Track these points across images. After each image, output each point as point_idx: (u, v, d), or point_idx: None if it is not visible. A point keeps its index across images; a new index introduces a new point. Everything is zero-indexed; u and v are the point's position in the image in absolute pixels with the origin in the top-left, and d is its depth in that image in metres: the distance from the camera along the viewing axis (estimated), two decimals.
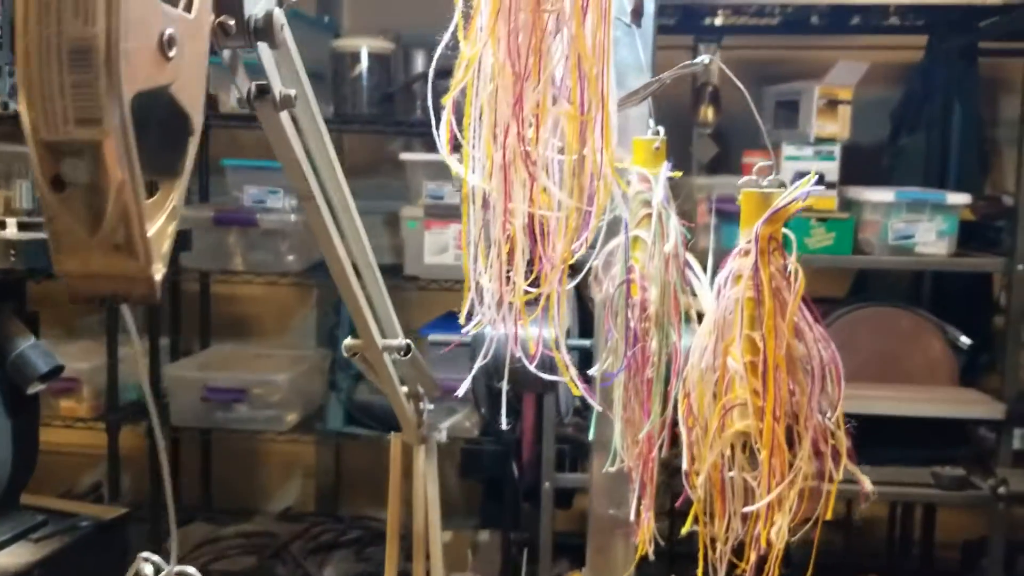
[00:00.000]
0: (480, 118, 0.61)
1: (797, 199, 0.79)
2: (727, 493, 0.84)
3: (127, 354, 3.04)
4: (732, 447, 0.83)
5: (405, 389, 1.11)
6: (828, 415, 0.83)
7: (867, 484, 0.81)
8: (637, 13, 0.97)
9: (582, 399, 1.08)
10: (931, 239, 2.53)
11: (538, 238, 0.62)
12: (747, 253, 0.81)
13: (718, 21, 3.03)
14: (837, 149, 2.58)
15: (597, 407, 1.02)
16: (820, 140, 2.58)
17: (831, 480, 0.81)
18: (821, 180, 2.55)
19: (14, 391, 1.87)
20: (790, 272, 0.81)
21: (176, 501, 0.95)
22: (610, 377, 1.07)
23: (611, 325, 1.07)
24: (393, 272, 2.85)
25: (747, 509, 0.81)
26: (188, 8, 0.43)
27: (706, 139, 3.00)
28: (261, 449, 3.46)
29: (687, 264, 1.02)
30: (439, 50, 0.62)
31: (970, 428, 2.63)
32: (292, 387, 2.92)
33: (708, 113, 2.96)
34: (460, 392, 0.82)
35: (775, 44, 3.24)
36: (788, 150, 2.60)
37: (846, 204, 2.61)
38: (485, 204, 0.62)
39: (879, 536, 3.20)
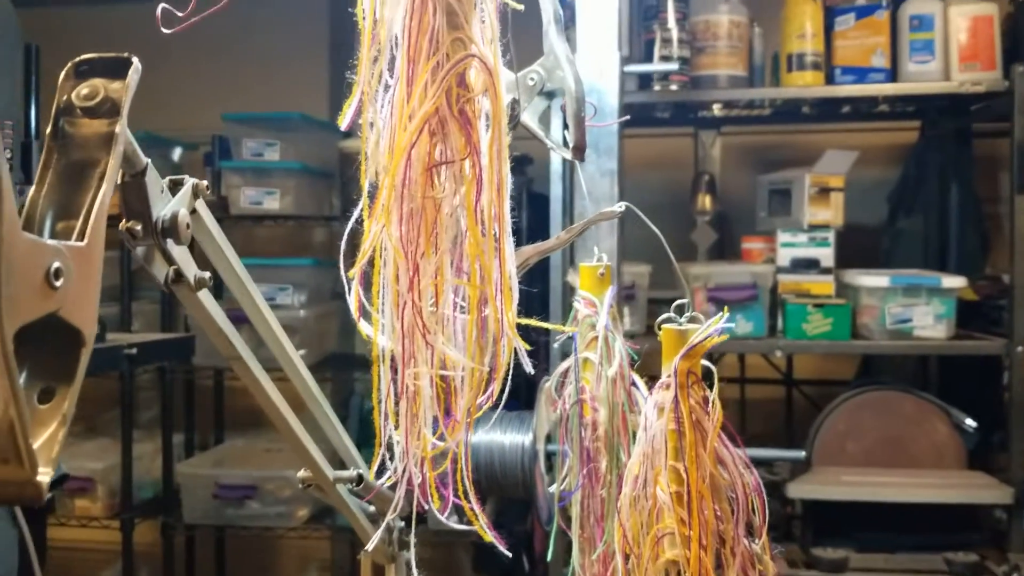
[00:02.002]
0: (385, 286, 0.66)
1: (711, 335, 0.82)
2: None
3: (142, 452, 3.10)
4: (667, 574, 0.86)
5: (372, 508, 1.15)
6: (754, 540, 0.85)
7: None
8: (579, 150, 1.02)
9: None
10: (929, 322, 2.54)
11: (441, 396, 0.66)
12: (668, 387, 0.84)
13: (718, 112, 3.10)
14: (831, 235, 2.62)
15: (552, 526, 1.04)
16: (814, 227, 2.62)
17: None
18: (816, 265, 2.59)
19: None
20: (711, 402, 0.84)
21: None
22: (566, 496, 1.10)
23: (567, 444, 1.11)
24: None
25: None
26: (81, 236, 0.49)
27: (705, 226, 3.05)
28: (276, 545, 3.48)
29: (634, 384, 1.06)
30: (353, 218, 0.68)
31: (983, 511, 2.61)
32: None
33: (706, 201, 3.02)
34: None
35: (772, 131, 3.31)
36: (783, 237, 2.64)
37: (843, 289, 2.63)
38: (394, 364, 0.67)
39: None
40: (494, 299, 0.67)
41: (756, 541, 0.86)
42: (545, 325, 0.82)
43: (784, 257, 2.64)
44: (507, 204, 0.69)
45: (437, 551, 3.32)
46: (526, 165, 3.11)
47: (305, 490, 0.95)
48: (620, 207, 0.96)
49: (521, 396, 2.97)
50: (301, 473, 0.95)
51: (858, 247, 2.91)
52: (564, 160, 2.15)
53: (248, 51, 3.66)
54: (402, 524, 1.23)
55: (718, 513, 0.84)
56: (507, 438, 1.50)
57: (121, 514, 2.97)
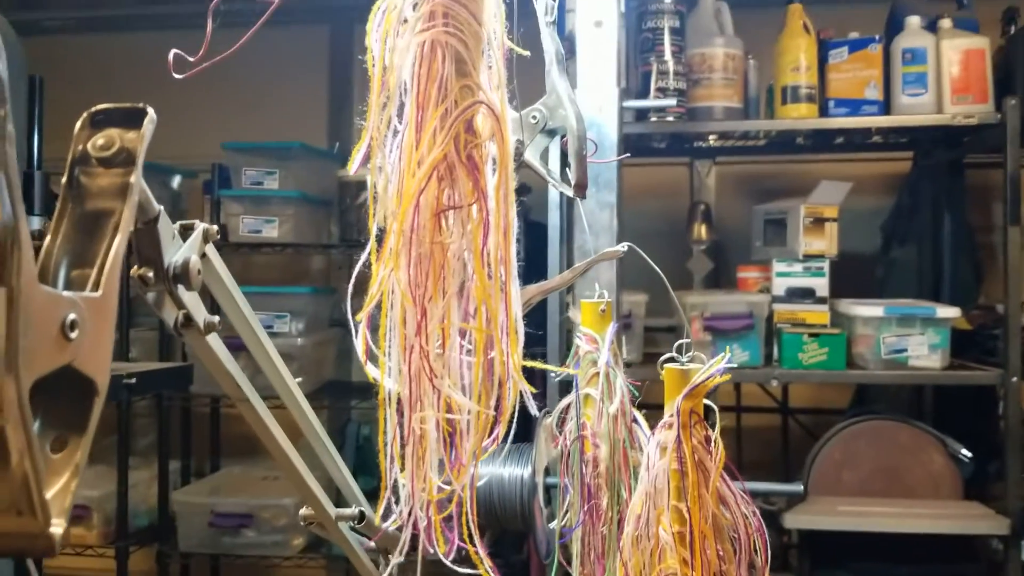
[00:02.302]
0: (392, 329, 0.67)
1: (714, 375, 0.83)
2: None
3: (138, 479, 3.09)
4: None
5: (372, 544, 1.15)
6: None
7: None
8: (581, 187, 1.03)
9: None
10: (924, 352, 2.55)
11: (446, 439, 0.67)
12: (671, 427, 0.85)
13: (714, 143, 3.13)
14: (826, 265, 2.63)
15: (551, 559, 1.05)
16: (809, 256, 2.63)
17: None
18: (812, 295, 2.60)
19: None
20: (713, 442, 0.85)
21: None
22: (567, 532, 1.10)
23: (567, 480, 1.11)
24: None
25: None
26: (96, 287, 0.49)
27: (701, 255, 3.06)
28: (272, 574, 3.46)
29: (635, 421, 1.07)
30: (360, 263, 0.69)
31: (979, 541, 2.61)
32: (299, 511, 2.94)
33: (702, 231, 3.04)
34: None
35: (767, 161, 3.33)
36: (779, 266, 2.65)
37: (838, 318, 2.65)
38: (400, 407, 0.68)
39: None
40: (500, 342, 0.68)
41: None
42: (549, 368, 0.83)
43: (780, 286, 2.65)
44: (513, 247, 0.70)
45: None
46: (524, 194, 3.10)
47: (307, 527, 0.95)
48: (623, 247, 0.97)
49: (519, 430, 2.98)
50: (303, 511, 0.95)
51: (853, 276, 2.92)
52: (567, 198, 2.17)
53: (248, 80, 3.67)
54: (401, 560, 1.23)
55: (720, 553, 0.85)
56: (506, 471, 1.50)
57: (116, 542, 2.95)
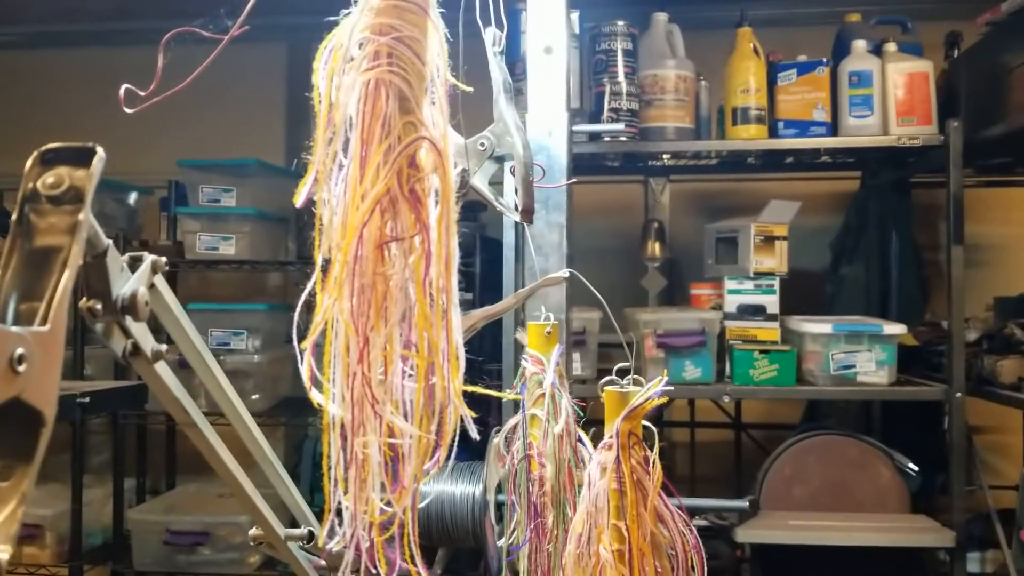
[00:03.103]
0: (336, 357, 0.69)
1: (652, 397, 0.86)
2: None
3: (93, 497, 3.07)
4: None
5: (323, 563, 1.17)
6: None
7: None
8: (528, 212, 1.06)
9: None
10: (871, 368, 2.61)
11: (388, 463, 0.69)
12: (611, 447, 0.88)
13: (667, 162, 3.18)
14: (776, 283, 2.69)
15: None
16: (759, 274, 2.69)
17: None
18: (763, 312, 2.65)
19: None
20: (652, 463, 0.88)
21: None
22: (514, 550, 1.13)
23: (514, 499, 1.14)
24: None
25: None
26: (44, 321, 0.51)
27: (655, 272, 3.11)
28: None
29: (580, 441, 1.10)
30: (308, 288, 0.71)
31: (927, 553, 2.67)
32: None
33: (655, 248, 3.09)
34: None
35: (720, 179, 3.39)
36: (730, 284, 2.70)
37: (788, 335, 2.70)
38: (344, 432, 0.70)
39: None
40: (441, 369, 0.70)
41: None
42: (491, 393, 0.86)
43: (731, 303, 2.70)
44: (455, 277, 0.72)
45: None
46: (480, 212, 3.16)
47: (256, 547, 0.97)
48: (564, 273, 1.00)
49: (472, 447, 2.99)
50: (253, 531, 0.97)
51: (802, 293, 2.98)
52: (516, 230, 2.21)
53: (206, 97, 3.67)
54: None
55: (659, 570, 0.87)
56: (458, 488, 1.52)
57: (70, 561, 2.92)
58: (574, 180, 1.43)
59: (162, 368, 0.67)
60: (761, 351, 2.62)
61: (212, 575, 2.98)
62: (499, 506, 1.47)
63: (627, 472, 0.87)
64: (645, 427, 0.89)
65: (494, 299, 2.16)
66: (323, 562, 1.16)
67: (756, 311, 2.69)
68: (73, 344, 3.08)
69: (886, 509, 2.65)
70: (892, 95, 2.65)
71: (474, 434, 0.73)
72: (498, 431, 1.24)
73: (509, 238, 2.31)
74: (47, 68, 3.86)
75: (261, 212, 3.10)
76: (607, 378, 0.90)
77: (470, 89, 0.81)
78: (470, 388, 0.75)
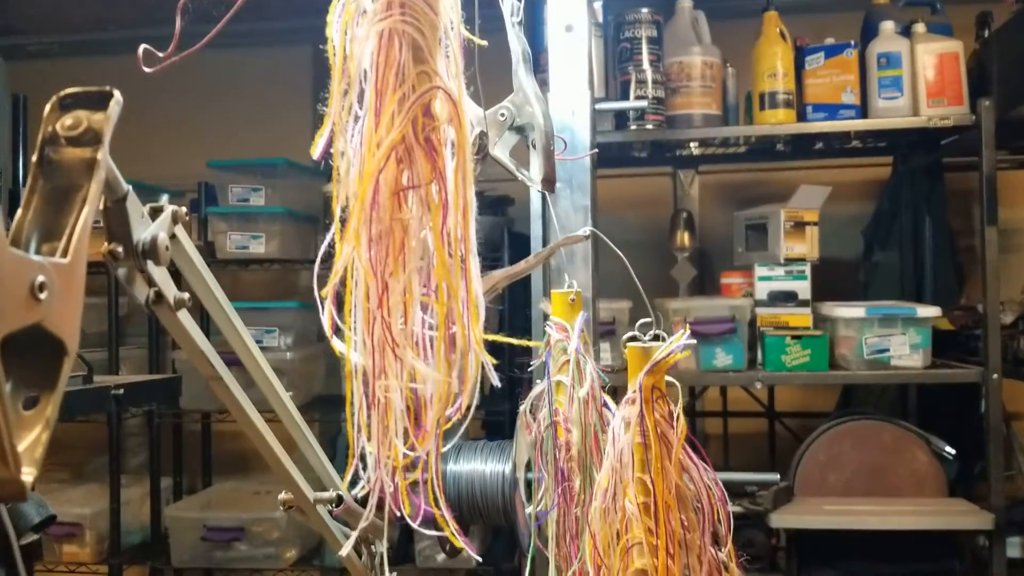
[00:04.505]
0: (356, 305, 0.70)
1: (674, 351, 0.86)
2: None
3: (130, 497, 3.11)
4: None
5: (355, 534, 1.17)
6: (721, 549, 0.88)
7: None
8: (549, 181, 1.07)
9: None
10: (905, 352, 2.58)
11: (411, 407, 0.70)
12: (634, 402, 0.88)
13: (695, 151, 3.17)
14: (807, 268, 2.67)
15: (529, 545, 1.07)
16: (790, 260, 2.67)
17: None
18: (794, 298, 2.63)
19: (6, 542, 1.93)
20: (676, 417, 0.88)
21: None
22: (542, 516, 1.13)
23: (542, 466, 1.14)
24: None
25: None
26: (64, 254, 0.52)
27: (685, 262, 3.10)
28: None
29: (606, 406, 1.10)
30: (327, 240, 0.72)
31: (964, 537, 2.63)
32: (291, 524, 2.96)
33: (685, 238, 3.08)
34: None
35: (749, 169, 3.37)
36: (760, 271, 2.69)
37: (820, 321, 2.68)
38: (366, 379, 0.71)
39: None
40: (461, 316, 0.71)
41: (722, 549, 0.89)
42: (512, 341, 0.86)
43: (762, 290, 2.68)
44: (472, 226, 0.73)
45: None
46: (507, 206, 3.17)
47: (286, 511, 0.98)
48: (586, 231, 1.00)
49: (505, 429, 2.98)
50: (282, 495, 0.98)
51: (836, 281, 2.96)
52: (543, 201, 2.20)
53: (233, 99, 3.72)
54: (383, 550, 1.26)
55: (684, 522, 0.87)
56: (488, 467, 1.52)
57: (109, 559, 2.97)
58: (595, 151, 1.43)
59: (185, 317, 0.68)
60: (793, 336, 2.60)
61: (249, 570, 3.00)
62: (528, 484, 1.47)
63: (651, 426, 0.86)
64: (669, 383, 0.89)
65: (523, 294, 2.17)
66: (355, 534, 1.17)
67: (787, 297, 2.67)
68: (108, 345, 3.12)
69: (923, 495, 2.61)
70: (922, 76, 2.63)
71: (495, 381, 0.73)
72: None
73: (536, 231, 2.31)
74: (78, 76, 3.92)
75: (290, 211, 3.13)
76: (629, 334, 0.90)
77: (484, 43, 0.81)
78: (491, 337, 0.75)
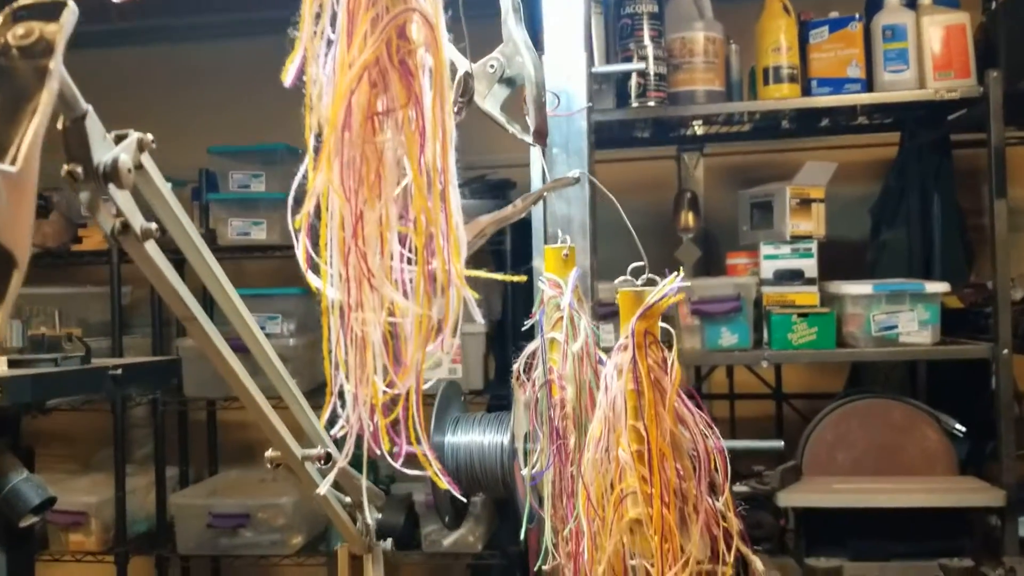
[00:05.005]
0: (331, 237, 0.67)
1: (667, 295, 0.83)
2: None
3: (136, 486, 3.09)
4: (632, 533, 0.86)
5: (348, 499, 1.15)
6: (718, 498, 0.86)
7: (758, 565, 0.83)
8: (540, 134, 1.04)
9: None
10: (914, 328, 2.55)
11: (389, 342, 0.67)
12: (627, 348, 0.85)
13: (699, 131, 3.13)
14: (814, 246, 2.63)
15: (525, 504, 1.05)
16: (796, 238, 2.64)
17: (724, 562, 0.84)
18: (800, 276, 2.60)
19: (7, 525, 1.91)
20: (670, 363, 0.85)
21: None
22: (537, 476, 1.10)
23: (536, 425, 1.11)
24: None
25: None
26: (13, 161, 0.50)
27: (690, 243, 3.06)
28: (271, 573, 3.46)
29: (600, 362, 1.07)
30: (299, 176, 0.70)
31: (976, 517, 2.59)
32: (297, 510, 2.95)
33: (689, 218, 3.04)
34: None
35: (754, 149, 3.33)
36: (766, 249, 2.65)
37: (827, 299, 2.64)
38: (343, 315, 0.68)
39: None
40: (441, 249, 0.68)
41: (719, 499, 0.86)
42: (494, 276, 0.83)
43: (767, 269, 2.65)
44: (452, 157, 0.70)
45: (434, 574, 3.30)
46: (509, 190, 3.14)
47: (275, 469, 0.95)
48: (575, 173, 0.97)
49: (507, 403, 2.96)
50: (269, 453, 0.95)
51: (843, 261, 2.93)
52: (543, 180, 2.17)
53: (233, 90, 3.70)
54: (379, 516, 1.23)
55: (680, 471, 0.84)
56: (486, 438, 1.50)
57: (115, 548, 2.96)
58: (589, 104, 1.40)
59: (153, 249, 0.66)
60: (799, 315, 2.57)
61: (255, 557, 2.99)
62: (527, 454, 1.45)
63: (644, 371, 0.84)
64: (662, 328, 0.86)
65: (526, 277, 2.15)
66: (348, 499, 1.15)
67: (794, 276, 2.64)
68: (112, 334, 3.11)
69: (934, 473, 2.58)
70: (928, 49, 2.59)
71: (479, 318, 0.71)
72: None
73: (537, 212, 2.29)
74: (77, 69, 3.90)
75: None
76: (621, 278, 0.87)
77: None
78: (473, 272, 0.72)
